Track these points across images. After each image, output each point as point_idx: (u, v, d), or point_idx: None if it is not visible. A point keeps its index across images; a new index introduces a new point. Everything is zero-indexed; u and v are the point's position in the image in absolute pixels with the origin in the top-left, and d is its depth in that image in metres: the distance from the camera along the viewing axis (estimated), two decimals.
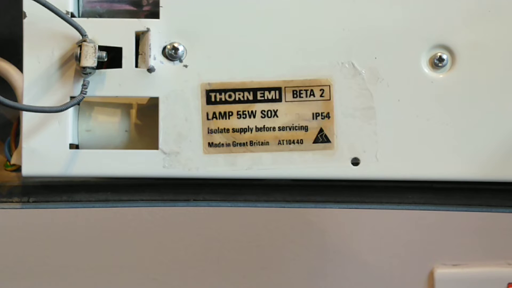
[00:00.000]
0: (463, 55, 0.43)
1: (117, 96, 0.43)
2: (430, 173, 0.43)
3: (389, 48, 0.43)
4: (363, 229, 0.45)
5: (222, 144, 0.43)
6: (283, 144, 0.43)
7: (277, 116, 0.43)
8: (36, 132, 0.42)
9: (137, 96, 0.43)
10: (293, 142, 0.43)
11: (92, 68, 0.41)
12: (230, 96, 0.43)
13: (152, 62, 0.42)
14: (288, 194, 0.45)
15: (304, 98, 0.43)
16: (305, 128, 0.43)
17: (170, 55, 0.42)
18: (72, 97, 0.42)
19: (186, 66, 0.42)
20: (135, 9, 0.44)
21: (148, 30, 0.42)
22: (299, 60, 0.43)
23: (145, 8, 0.44)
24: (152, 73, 0.42)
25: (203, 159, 0.43)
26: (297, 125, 0.43)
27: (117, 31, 0.42)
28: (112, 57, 0.42)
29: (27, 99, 0.42)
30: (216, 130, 0.43)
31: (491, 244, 0.45)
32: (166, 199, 0.45)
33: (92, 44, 0.40)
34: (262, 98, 0.43)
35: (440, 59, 0.43)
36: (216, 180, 0.44)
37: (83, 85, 0.41)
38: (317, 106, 0.43)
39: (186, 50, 0.42)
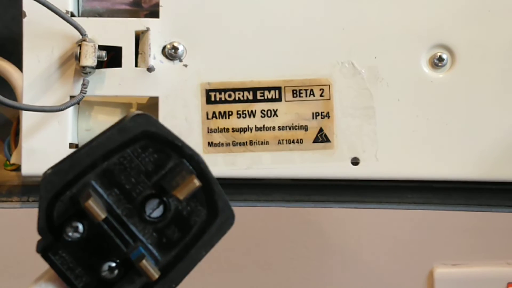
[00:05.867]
0: (463, 55, 0.43)
1: (117, 96, 0.43)
2: (430, 173, 0.43)
3: (389, 48, 0.43)
4: (363, 229, 0.45)
5: (222, 144, 0.43)
6: (283, 143, 0.43)
7: (277, 116, 0.43)
8: (36, 132, 0.42)
9: (137, 95, 0.43)
10: (293, 142, 0.43)
11: (92, 67, 0.41)
12: (230, 96, 0.43)
13: (152, 62, 0.42)
14: (288, 193, 0.45)
15: (304, 98, 0.43)
16: (305, 128, 0.43)
17: (170, 54, 0.42)
18: (72, 97, 0.42)
19: (186, 65, 0.42)
20: (135, 8, 0.44)
21: (148, 29, 0.42)
22: (299, 60, 0.43)
23: (145, 8, 0.44)
24: (152, 72, 0.42)
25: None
26: (297, 125, 0.43)
27: (117, 31, 0.42)
28: (112, 57, 0.42)
29: (27, 99, 0.42)
30: (216, 129, 0.43)
31: (491, 244, 0.45)
32: None
33: (92, 44, 0.40)
34: (262, 98, 0.43)
35: (440, 59, 0.43)
36: (216, 179, 0.44)
37: (83, 84, 0.41)
38: (317, 105, 0.43)
39: (186, 49, 0.42)
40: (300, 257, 0.45)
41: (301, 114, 0.43)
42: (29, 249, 0.45)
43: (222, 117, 0.43)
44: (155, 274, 0.26)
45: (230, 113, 0.43)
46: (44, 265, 0.46)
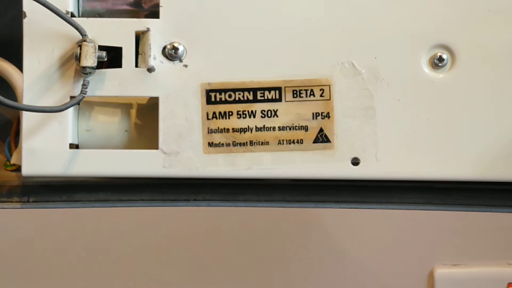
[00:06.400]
0: (463, 55, 0.43)
1: (117, 96, 0.43)
2: (430, 173, 0.43)
3: (389, 48, 0.43)
4: (363, 229, 0.45)
5: (222, 144, 0.43)
6: (283, 144, 0.43)
7: (277, 116, 0.43)
8: (36, 132, 0.42)
9: (137, 96, 0.43)
10: (293, 142, 0.43)
11: (92, 68, 0.41)
12: (230, 96, 0.43)
13: (152, 62, 0.42)
14: (288, 194, 0.45)
15: (304, 98, 0.43)
16: (305, 128, 0.43)
17: (170, 55, 0.42)
18: (72, 97, 0.42)
19: (186, 66, 0.42)
20: (135, 9, 0.44)
21: (148, 29, 0.42)
22: (299, 60, 0.43)
23: (145, 8, 0.44)
24: (152, 73, 0.42)
25: (203, 159, 0.43)
26: (297, 125, 0.43)
27: (117, 31, 0.42)
28: (112, 57, 0.42)
29: (27, 99, 0.42)
30: (216, 130, 0.43)
31: (491, 244, 0.45)
32: (166, 199, 0.45)
33: (92, 44, 0.40)
34: (262, 98, 0.43)
35: (440, 59, 0.43)
36: (216, 180, 0.44)
37: (83, 85, 0.41)
38: (317, 106, 0.43)
39: (186, 50, 0.42)
40: (300, 257, 0.45)
41: (301, 114, 0.43)
42: (29, 249, 0.45)
43: (222, 118, 0.43)
44: None
45: (230, 113, 0.43)
46: (43, 266, 0.47)
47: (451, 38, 0.43)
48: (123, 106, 0.44)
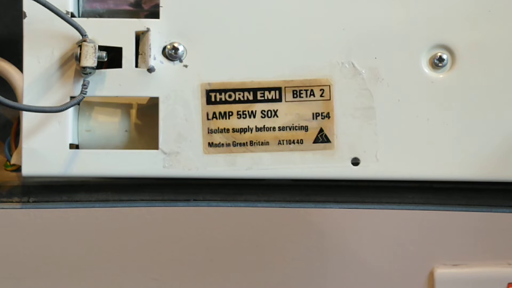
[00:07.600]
0: (463, 55, 0.43)
1: (117, 96, 0.43)
2: (430, 173, 0.43)
3: (389, 48, 0.43)
4: (363, 229, 0.45)
5: (222, 144, 0.43)
6: (283, 144, 0.43)
7: (277, 116, 0.43)
8: (36, 132, 0.42)
9: (137, 96, 0.43)
10: (293, 142, 0.43)
11: (92, 68, 0.41)
12: (230, 96, 0.43)
13: (152, 62, 0.42)
14: (288, 194, 0.45)
15: (304, 98, 0.43)
16: (305, 128, 0.43)
17: (170, 55, 0.42)
18: (72, 97, 0.42)
19: (186, 66, 0.42)
20: (135, 9, 0.44)
21: (148, 30, 0.42)
22: (299, 60, 0.43)
23: (145, 8, 0.44)
24: (152, 73, 0.42)
25: (203, 159, 0.43)
26: (297, 125, 0.43)
27: (117, 31, 0.42)
28: (112, 57, 0.42)
29: (27, 99, 0.42)
30: (216, 130, 0.43)
31: (491, 244, 0.45)
32: (166, 199, 0.45)
33: (92, 44, 0.40)
34: (262, 98, 0.43)
35: (440, 59, 0.43)
36: (216, 180, 0.44)
37: (83, 85, 0.41)
38: (317, 106, 0.43)
39: (186, 50, 0.42)
40: (300, 257, 0.45)
41: (301, 114, 0.43)
42: (29, 249, 0.45)
43: (223, 118, 0.43)
44: None
45: (230, 113, 0.43)
46: (43, 266, 0.47)
47: (451, 38, 0.43)
48: (123, 106, 0.44)
